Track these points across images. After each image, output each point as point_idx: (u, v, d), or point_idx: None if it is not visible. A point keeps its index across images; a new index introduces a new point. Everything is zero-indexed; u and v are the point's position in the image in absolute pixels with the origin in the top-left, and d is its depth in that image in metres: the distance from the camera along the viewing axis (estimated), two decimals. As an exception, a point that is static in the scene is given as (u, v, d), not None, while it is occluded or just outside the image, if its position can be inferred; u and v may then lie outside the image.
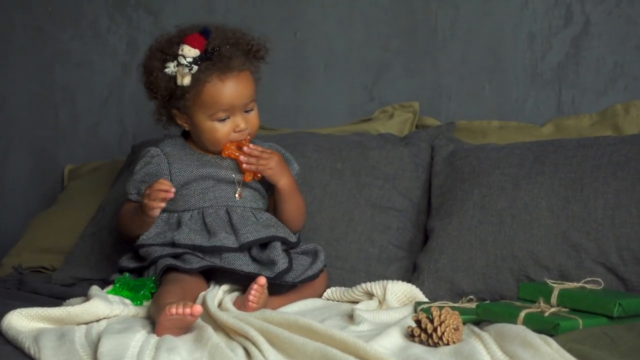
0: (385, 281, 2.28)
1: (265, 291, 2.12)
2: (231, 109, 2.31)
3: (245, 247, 2.27)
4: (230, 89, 2.30)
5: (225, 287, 2.21)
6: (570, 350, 1.72)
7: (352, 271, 2.44)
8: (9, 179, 3.38)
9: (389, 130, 2.82)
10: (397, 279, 2.38)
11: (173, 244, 2.27)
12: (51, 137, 3.33)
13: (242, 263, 2.26)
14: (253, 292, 2.09)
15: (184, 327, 1.94)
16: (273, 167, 2.32)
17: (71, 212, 2.93)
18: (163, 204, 2.22)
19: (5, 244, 3.13)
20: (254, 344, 1.81)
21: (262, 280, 2.11)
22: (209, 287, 2.23)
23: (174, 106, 2.35)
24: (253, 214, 2.34)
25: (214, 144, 2.34)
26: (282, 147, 2.48)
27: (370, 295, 2.28)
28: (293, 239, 2.35)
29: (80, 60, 3.30)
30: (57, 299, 2.30)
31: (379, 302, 2.25)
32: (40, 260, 2.82)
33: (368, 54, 2.99)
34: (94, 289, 2.18)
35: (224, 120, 2.32)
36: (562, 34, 2.80)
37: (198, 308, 1.93)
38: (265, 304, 2.12)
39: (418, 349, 1.85)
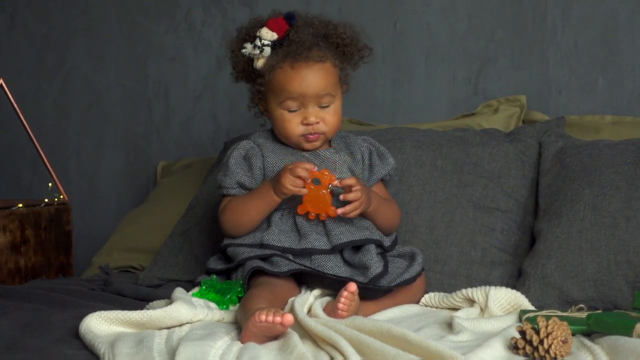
0: (487, 287, 2.15)
1: (356, 298, 2.01)
2: (301, 99, 2.20)
3: (337, 249, 2.17)
4: (301, 77, 2.19)
5: (316, 292, 2.11)
6: (690, 367, 1.58)
7: (452, 275, 2.33)
8: (102, 175, 3.37)
9: (494, 125, 2.72)
10: (501, 285, 2.27)
11: (262, 245, 2.18)
12: (144, 133, 3.31)
13: (333, 265, 2.16)
14: (343, 299, 1.99)
15: (272, 336, 1.85)
16: (361, 208, 2.18)
17: (161, 211, 2.90)
18: (302, 190, 2.14)
19: (99, 242, 3.12)
20: (343, 354, 1.71)
21: (353, 287, 2.00)
22: (300, 291, 2.14)
23: (253, 91, 2.30)
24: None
25: (284, 135, 2.24)
26: (379, 142, 2.38)
27: (471, 301, 2.15)
28: (387, 242, 2.24)
29: (174, 54, 3.27)
30: (141, 301, 2.24)
31: (481, 309, 2.13)
32: (130, 259, 2.81)
33: (471, 45, 2.90)
34: (178, 292, 2.10)
35: (294, 111, 2.21)
36: (683, 21, 2.68)
37: (289, 318, 1.82)
38: (356, 310, 2.01)
39: (521, 360, 1.73)
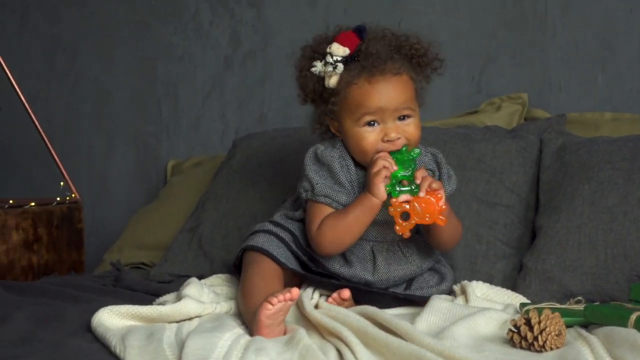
0: (464, 281, 2.16)
1: (345, 303, 2.03)
2: (379, 113, 2.05)
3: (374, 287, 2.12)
4: (379, 92, 2.05)
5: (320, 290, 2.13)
6: (683, 357, 1.61)
7: (457, 269, 2.33)
8: (113, 174, 3.40)
9: (497, 122, 2.74)
10: (503, 277, 2.31)
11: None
12: (154, 132, 3.34)
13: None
14: (330, 300, 2.01)
15: (283, 319, 1.87)
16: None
17: (172, 208, 2.93)
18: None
19: (110, 239, 3.15)
20: (348, 345, 1.74)
21: (345, 294, 2.01)
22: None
23: (324, 112, 2.13)
24: (400, 247, 2.15)
25: (360, 154, 2.09)
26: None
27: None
28: (424, 269, 2.18)
29: (182, 54, 3.29)
30: (152, 296, 2.27)
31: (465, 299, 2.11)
32: (140, 256, 2.84)
33: (474, 44, 2.91)
34: (189, 287, 2.12)
35: (372, 126, 2.07)
36: (680, 18, 2.68)
37: (296, 290, 1.85)
38: None
39: (519, 354, 1.75)
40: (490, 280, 2.25)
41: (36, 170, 3.47)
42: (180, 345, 1.77)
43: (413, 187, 2.02)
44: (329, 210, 2.10)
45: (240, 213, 2.59)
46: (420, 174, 2.04)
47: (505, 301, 2.12)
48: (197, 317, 2.00)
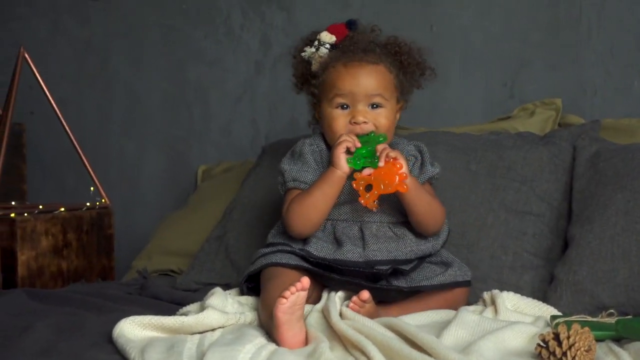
0: (495, 291, 2.12)
1: (368, 305, 2.01)
2: (350, 97, 2.16)
3: (370, 265, 2.12)
4: (352, 75, 2.17)
5: (340, 293, 2.09)
6: None
7: (483, 280, 2.30)
8: (143, 179, 3.39)
9: (530, 129, 2.70)
10: (532, 289, 2.27)
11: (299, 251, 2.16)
12: (184, 137, 3.32)
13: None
14: (351, 304, 1.99)
15: (301, 313, 1.87)
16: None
17: (200, 214, 2.90)
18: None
19: (141, 245, 3.13)
20: None
21: (364, 295, 1.99)
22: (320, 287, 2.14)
23: (311, 98, 2.28)
24: (390, 228, 2.19)
25: (331, 135, 2.19)
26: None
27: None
28: (426, 252, 2.18)
29: (213, 58, 3.27)
30: (177, 305, 2.24)
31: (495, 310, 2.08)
32: (169, 263, 2.82)
33: (507, 48, 2.88)
34: (214, 297, 2.09)
35: (344, 109, 2.18)
36: None
37: (306, 279, 1.85)
38: (370, 315, 1.99)
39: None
40: (518, 292, 2.19)
41: (69, 175, 3.46)
42: (200, 358, 1.74)
43: (375, 160, 2.09)
44: (298, 192, 2.19)
45: (267, 222, 2.56)
46: (380, 147, 2.11)
47: (536, 313, 2.08)
48: (220, 327, 1.97)
